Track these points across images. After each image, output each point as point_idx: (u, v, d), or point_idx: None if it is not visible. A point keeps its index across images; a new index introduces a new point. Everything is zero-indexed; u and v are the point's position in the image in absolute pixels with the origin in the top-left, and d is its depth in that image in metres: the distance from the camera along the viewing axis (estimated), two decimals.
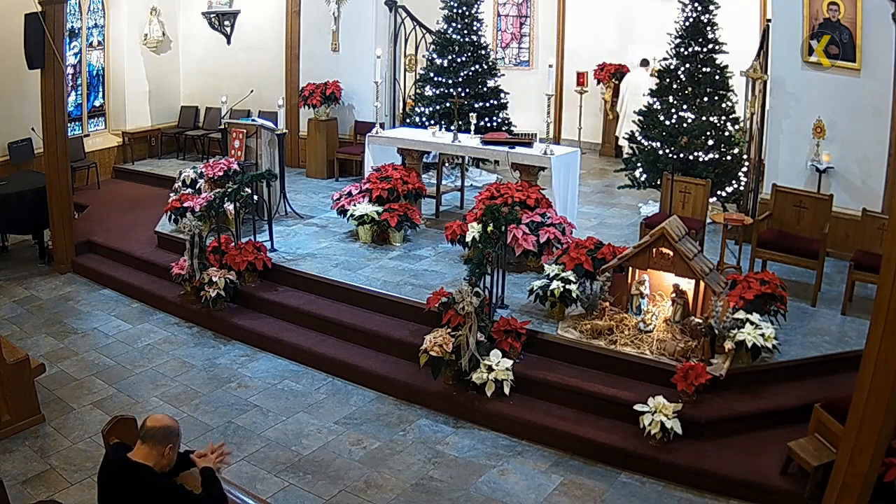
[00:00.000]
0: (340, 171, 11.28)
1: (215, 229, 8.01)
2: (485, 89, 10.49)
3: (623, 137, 11.27)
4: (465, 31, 10.38)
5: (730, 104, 8.96)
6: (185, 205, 8.66)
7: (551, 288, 6.50)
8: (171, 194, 9.34)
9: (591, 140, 13.11)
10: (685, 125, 8.77)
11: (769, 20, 8.54)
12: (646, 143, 9.16)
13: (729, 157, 8.84)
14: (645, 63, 11.93)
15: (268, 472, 5.38)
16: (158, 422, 3.56)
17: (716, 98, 8.85)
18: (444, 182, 9.98)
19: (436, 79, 10.47)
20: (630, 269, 6.41)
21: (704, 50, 8.84)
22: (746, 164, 8.91)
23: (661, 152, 8.90)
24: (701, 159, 8.68)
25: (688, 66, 8.88)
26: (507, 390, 5.96)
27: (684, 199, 7.90)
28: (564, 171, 8.28)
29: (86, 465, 5.35)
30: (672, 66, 9.03)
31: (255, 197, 8.54)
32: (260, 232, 8.31)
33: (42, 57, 8.26)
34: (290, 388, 6.52)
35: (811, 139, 8.07)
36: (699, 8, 8.80)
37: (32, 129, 9.86)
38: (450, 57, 10.37)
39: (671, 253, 6.05)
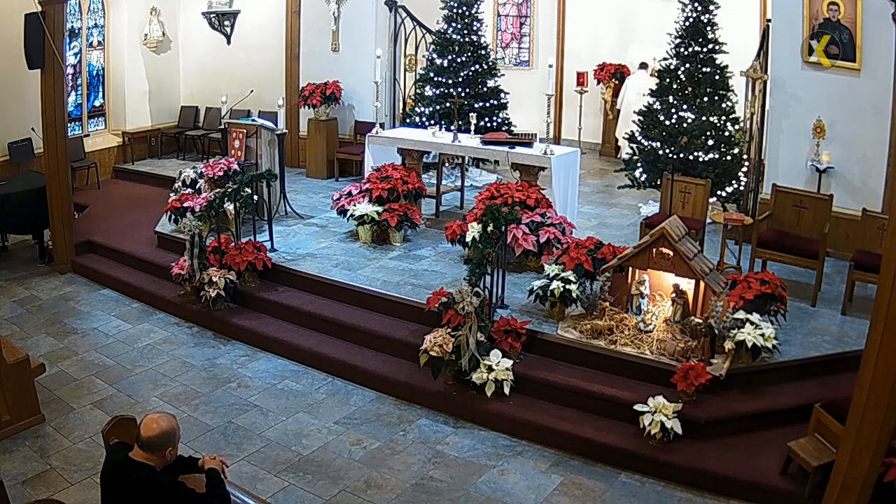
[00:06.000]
0: (340, 171, 11.28)
1: (215, 229, 8.01)
2: (485, 89, 10.49)
3: (623, 137, 11.26)
4: (465, 31, 10.39)
5: (730, 104, 8.96)
6: (185, 205, 8.66)
7: (551, 288, 6.49)
8: (171, 194, 9.34)
9: (591, 140, 13.12)
10: (685, 125, 8.77)
11: (769, 20, 8.54)
12: (646, 143, 9.16)
13: (729, 157, 8.84)
14: (644, 66, 11.93)
15: (268, 472, 5.38)
16: (153, 430, 3.47)
17: (716, 98, 8.85)
18: (444, 182, 9.98)
19: (436, 79, 10.47)
20: (630, 269, 6.41)
21: (704, 50, 8.84)
22: (746, 164, 8.91)
23: (661, 152, 8.90)
24: (701, 159, 8.68)
25: (688, 66, 8.88)
26: (507, 390, 5.96)
27: (684, 199, 7.90)
28: (564, 171, 8.27)
29: (86, 465, 5.35)
30: (672, 66, 9.04)
31: (255, 197, 8.54)
32: (260, 232, 8.31)
33: (42, 57, 8.26)
34: (290, 388, 6.52)
35: (811, 139, 8.07)
36: (699, 8, 8.80)
37: (32, 129, 9.86)
38: (450, 57, 10.37)
39: (671, 253, 6.05)
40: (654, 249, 6.12)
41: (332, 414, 6.14)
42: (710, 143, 8.72)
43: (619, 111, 12.49)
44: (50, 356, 6.90)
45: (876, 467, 4.09)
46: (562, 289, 6.45)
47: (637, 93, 11.67)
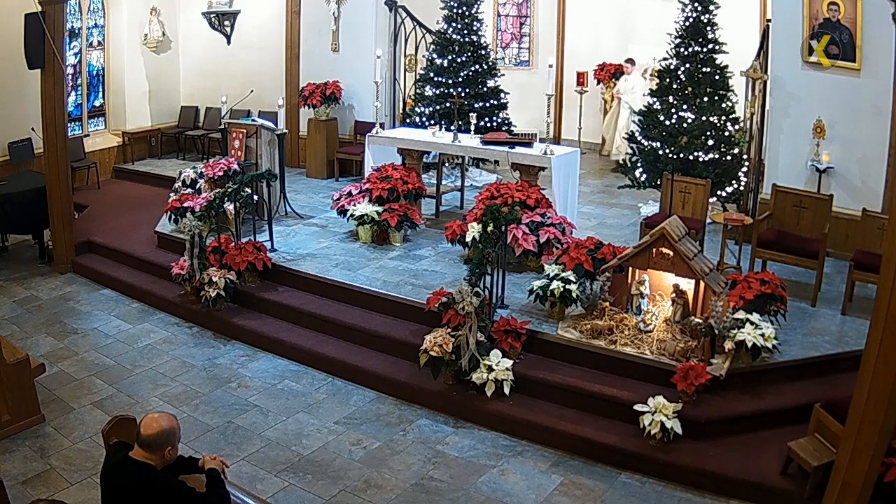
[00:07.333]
0: (340, 171, 11.28)
1: (215, 229, 8.01)
2: (485, 89, 10.49)
3: (623, 137, 11.25)
4: (465, 31, 10.38)
5: (730, 104, 8.96)
6: (185, 205, 8.66)
7: (551, 288, 6.49)
8: (171, 194, 9.34)
9: (591, 140, 13.11)
10: (685, 125, 8.77)
11: (769, 20, 8.54)
12: (646, 143, 9.16)
13: (729, 157, 8.83)
14: (631, 62, 11.88)
15: (268, 472, 5.38)
16: (153, 429, 3.48)
17: (716, 98, 8.85)
18: (444, 182, 9.98)
19: (436, 79, 10.47)
20: (630, 269, 6.41)
21: (704, 50, 8.84)
22: (746, 164, 8.91)
23: (661, 152, 8.90)
24: (701, 159, 8.68)
25: (688, 66, 8.88)
26: (507, 390, 5.96)
27: (684, 199, 7.90)
28: (564, 171, 8.27)
29: (86, 465, 5.35)
30: (672, 66, 9.03)
31: (255, 197, 8.54)
32: (260, 232, 8.31)
33: (42, 57, 8.26)
34: (290, 388, 6.52)
35: (811, 139, 8.07)
36: (699, 8, 8.79)
37: (32, 129, 9.86)
38: (450, 57, 10.37)
39: (671, 253, 6.05)
40: (654, 249, 6.12)
41: (332, 414, 6.14)
42: (710, 143, 8.72)
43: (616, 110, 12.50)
44: (50, 356, 6.90)
45: (876, 467, 4.09)
46: (562, 289, 6.45)
47: (641, 93, 11.68)
